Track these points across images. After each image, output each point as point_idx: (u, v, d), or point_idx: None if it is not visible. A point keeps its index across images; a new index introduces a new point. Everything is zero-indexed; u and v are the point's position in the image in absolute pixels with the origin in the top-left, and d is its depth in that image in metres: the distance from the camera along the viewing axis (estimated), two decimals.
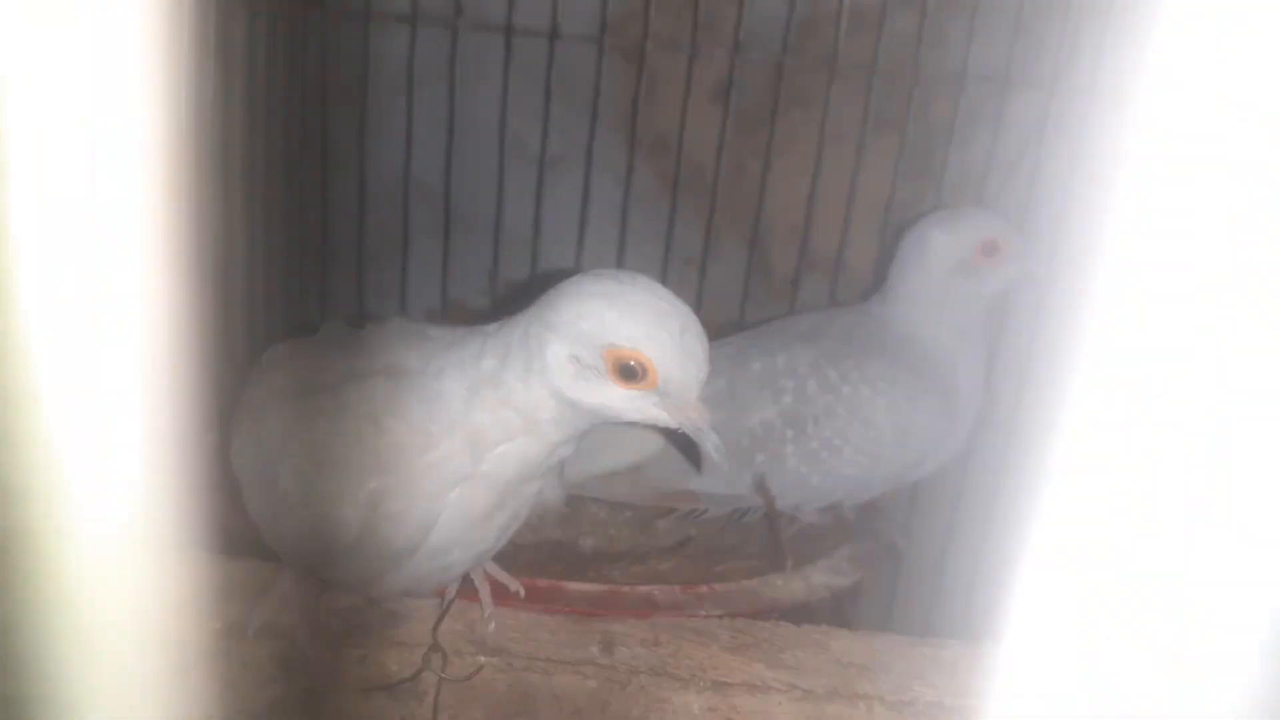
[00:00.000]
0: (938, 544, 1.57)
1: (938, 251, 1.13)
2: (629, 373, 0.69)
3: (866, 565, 1.09)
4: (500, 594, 0.92)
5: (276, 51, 1.30)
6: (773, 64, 1.42)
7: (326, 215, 1.46)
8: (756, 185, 1.42)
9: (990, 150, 1.39)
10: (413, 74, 1.39)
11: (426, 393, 0.74)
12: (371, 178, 1.44)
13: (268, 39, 1.28)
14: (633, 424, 0.73)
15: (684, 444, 0.76)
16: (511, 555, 1.09)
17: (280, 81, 1.32)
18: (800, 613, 1.02)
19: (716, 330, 1.53)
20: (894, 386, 1.11)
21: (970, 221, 1.14)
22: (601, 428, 0.76)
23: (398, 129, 1.45)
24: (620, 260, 1.46)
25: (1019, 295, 1.23)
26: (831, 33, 1.38)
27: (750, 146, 1.52)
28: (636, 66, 1.39)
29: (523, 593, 0.93)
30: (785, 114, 1.48)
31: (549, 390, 0.70)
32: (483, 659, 0.88)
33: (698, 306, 1.46)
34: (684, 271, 1.54)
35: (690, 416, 0.71)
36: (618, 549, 1.21)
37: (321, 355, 0.83)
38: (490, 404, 0.72)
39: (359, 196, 1.44)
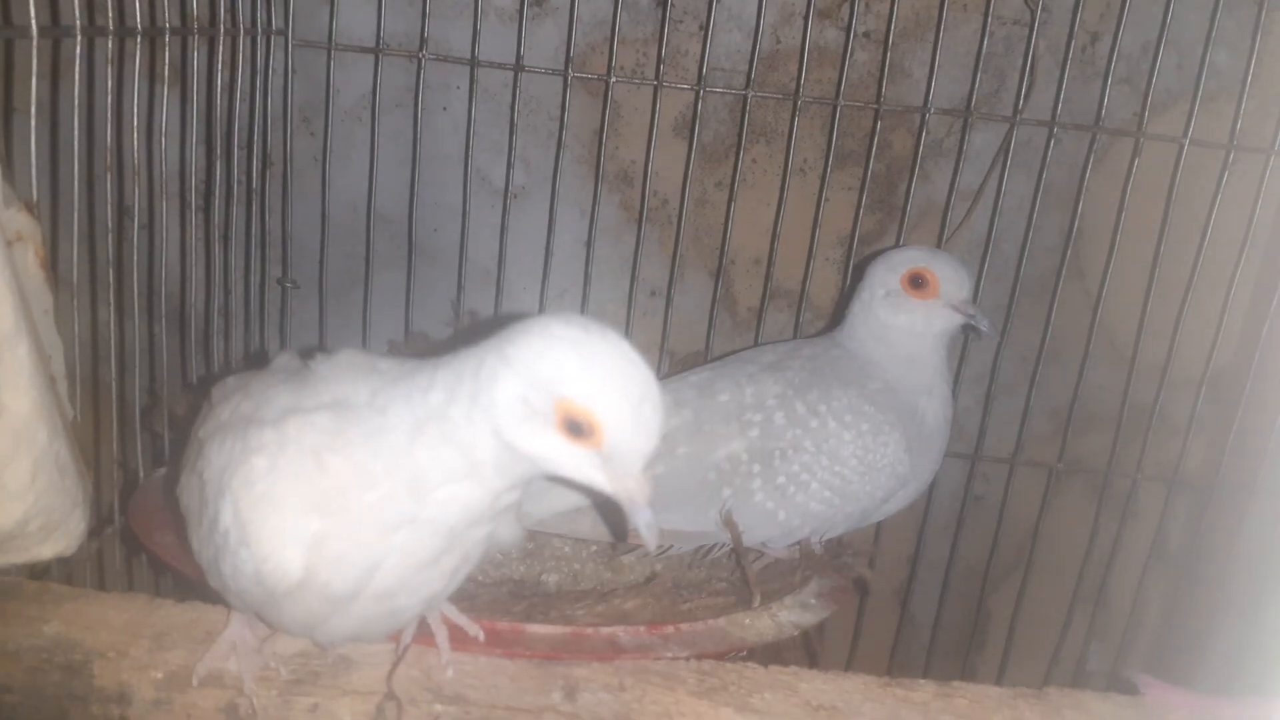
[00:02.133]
0: (902, 577, 1.56)
1: (871, 280, 1.19)
2: (576, 429, 0.66)
3: (835, 601, 1.07)
4: (459, 638, 0.89)
5: (238, 80, 1.28)
6: (736, 97, 1.43)
7: (287, 244, 1.44)
8: (721, 217, 1.42)
9: (952, 182, 1.40)
10: (376, 105, 1.38)
11: (370, 428, 0.71)
12: (334, 207, 1.42)
13: (229, 68, 1.26)
14: (567, 481, 0.70)
15: (610, 510, 0.72)
16: (471, 595, 1.06)
17: (242, 110, 1.30)
18: (768, 649, 1.00)
19: (682, 362, 1.53)
20: (861, 420, 1.11)
21: (902, 254, 1.18)
22: None
23: (361, 159, 1.44)
24: (585, 292, 1.44)
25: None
26: (794, 67, 1.39)
27: (714, 179, 1.52)
28: (601, 99, 1.39)
29: (482, 636, 0.89)
30: (749, 147, 1.48)
31: (491, 428, 0.68)
32: (440, 708, 0.85)
33: (663, 338, 1.46)
34: (649, 303, 1.53)
35: (628, 487, 0.68)
36: (582, 586, 1.19)
37: (268, 388, 0.79)
38: (432, 440, 0.69)
39: (321, 226, 1.42)
